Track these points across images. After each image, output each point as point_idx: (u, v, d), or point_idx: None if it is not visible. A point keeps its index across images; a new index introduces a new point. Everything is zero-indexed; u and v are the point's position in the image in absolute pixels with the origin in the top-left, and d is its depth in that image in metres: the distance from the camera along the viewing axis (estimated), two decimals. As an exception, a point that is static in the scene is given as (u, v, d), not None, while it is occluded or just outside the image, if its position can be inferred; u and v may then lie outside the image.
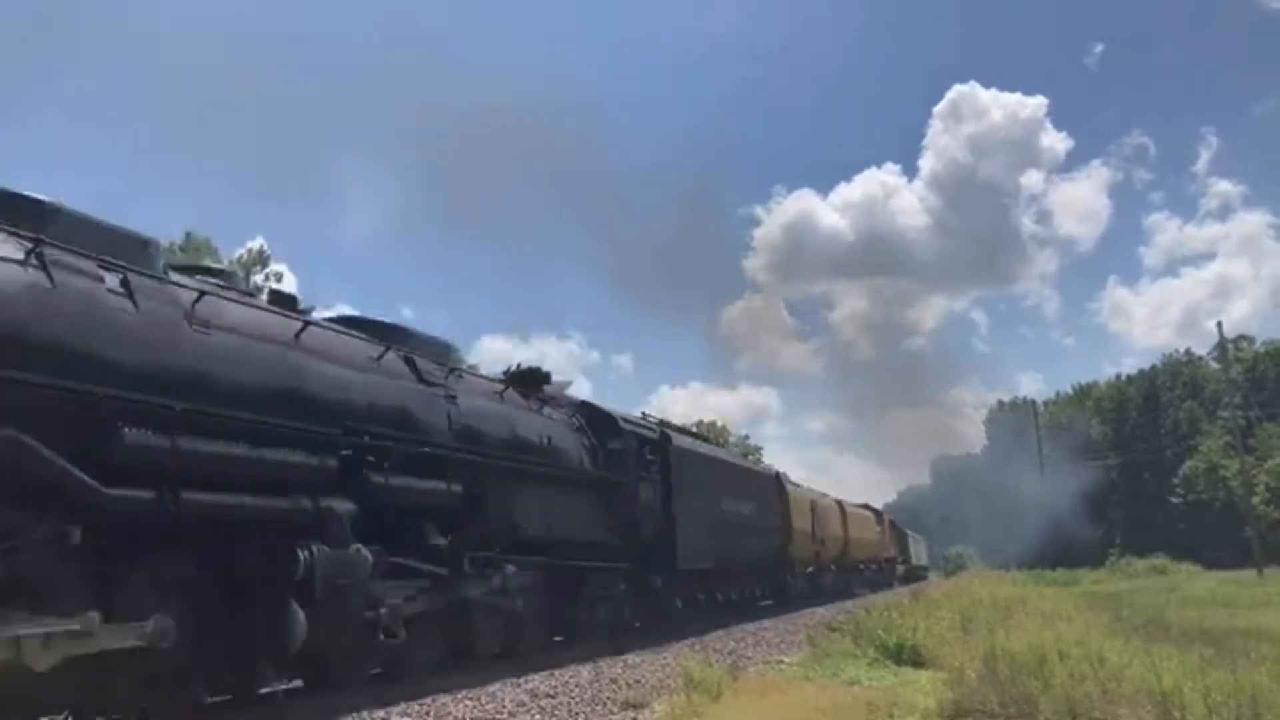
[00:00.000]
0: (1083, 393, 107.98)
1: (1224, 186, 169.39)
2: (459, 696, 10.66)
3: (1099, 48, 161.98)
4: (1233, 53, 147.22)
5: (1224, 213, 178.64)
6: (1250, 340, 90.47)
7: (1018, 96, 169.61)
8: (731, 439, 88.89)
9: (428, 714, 9.53)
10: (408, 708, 9.86)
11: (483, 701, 10.32)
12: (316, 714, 9.43)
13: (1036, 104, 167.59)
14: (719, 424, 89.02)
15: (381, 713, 9.52)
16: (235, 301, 9.88)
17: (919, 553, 70.95)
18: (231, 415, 8.75)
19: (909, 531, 68.13)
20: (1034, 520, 75.83)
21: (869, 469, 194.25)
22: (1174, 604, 22.78)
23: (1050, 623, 15.54)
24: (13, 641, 6.53)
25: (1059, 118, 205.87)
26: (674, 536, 19.64)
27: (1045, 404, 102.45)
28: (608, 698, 10.92)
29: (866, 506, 49.42)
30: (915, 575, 63.01)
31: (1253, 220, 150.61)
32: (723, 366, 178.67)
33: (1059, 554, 66.15)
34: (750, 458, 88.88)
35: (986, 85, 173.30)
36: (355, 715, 9.31)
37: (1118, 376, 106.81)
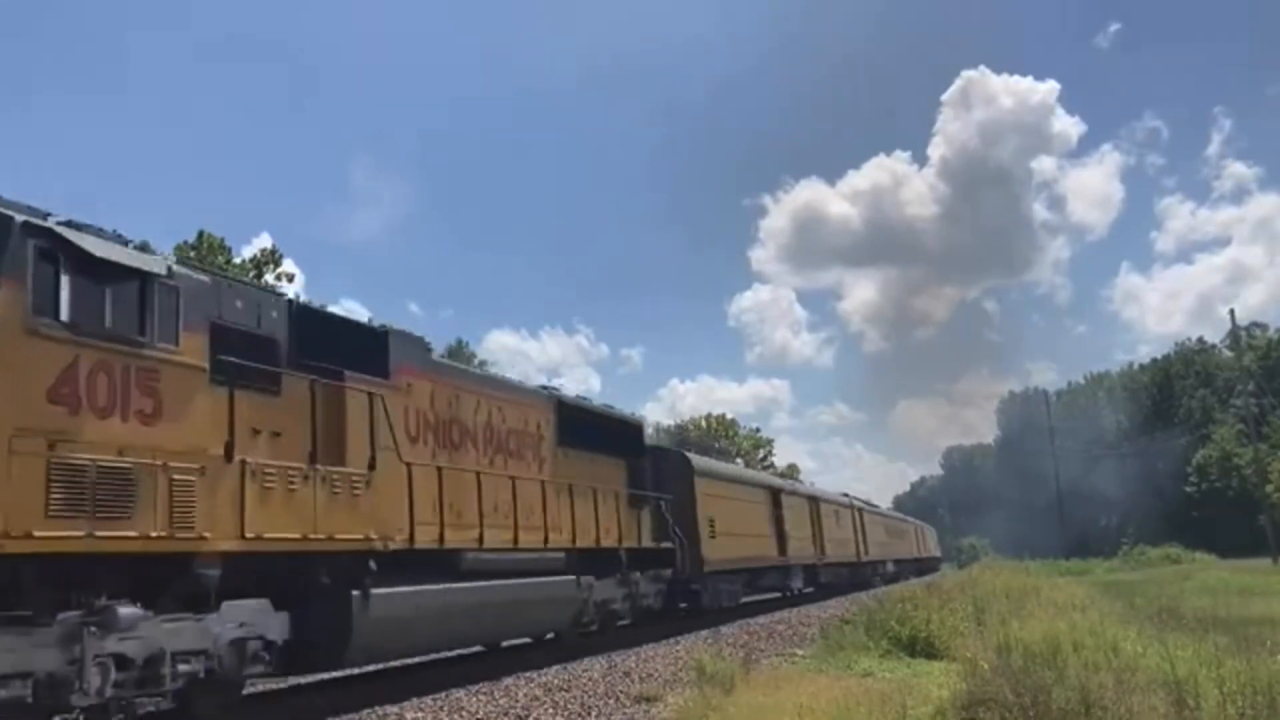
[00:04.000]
0: (1095, 382, 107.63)
1: (1238, 169, 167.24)
2: (473, 690, 10.70)
3: (1114, 26, 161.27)
4: (1245, 31, 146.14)
5: (1239, 195, 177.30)
6: (1264, 327, 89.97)
7: (1029, 81, 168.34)
8: (742, 432, 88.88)
9: (441, 708, 9.56)
10: (421, 702, 9.90)
11: (496, 696, 10.36)
12: (331, 709, 9.46)
13: (1048, 89, 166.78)
14: (728, 417, 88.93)
15: (395, 708, 9.56)
16: None
17: (924, 540, 61.54)
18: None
19: (878, 510, 48.50)
20: (1046, 510, 75.61)
21: (880, 461, 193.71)
22: (1188, 593, 22.68)
23: (1064, 613, 15.50)
24: None
25: (1071, 102, 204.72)
26: None
27: (1058, 394, 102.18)
28: (621, 691, 10.94)
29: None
30: (925, 568, 55.53)
31: (1269, 203, 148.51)
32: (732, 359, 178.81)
33: (1072, 543, 65.94)
34: (761, 452, 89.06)
35: (997, 70, 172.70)
36: (370, 710, 9.36)
37: (1130, 365, 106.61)
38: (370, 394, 10.38)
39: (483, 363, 62.93)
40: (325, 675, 11.80)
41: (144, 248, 44.87)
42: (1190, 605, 17.69)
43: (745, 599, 24.73)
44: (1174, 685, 7.51)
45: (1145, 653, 9.91)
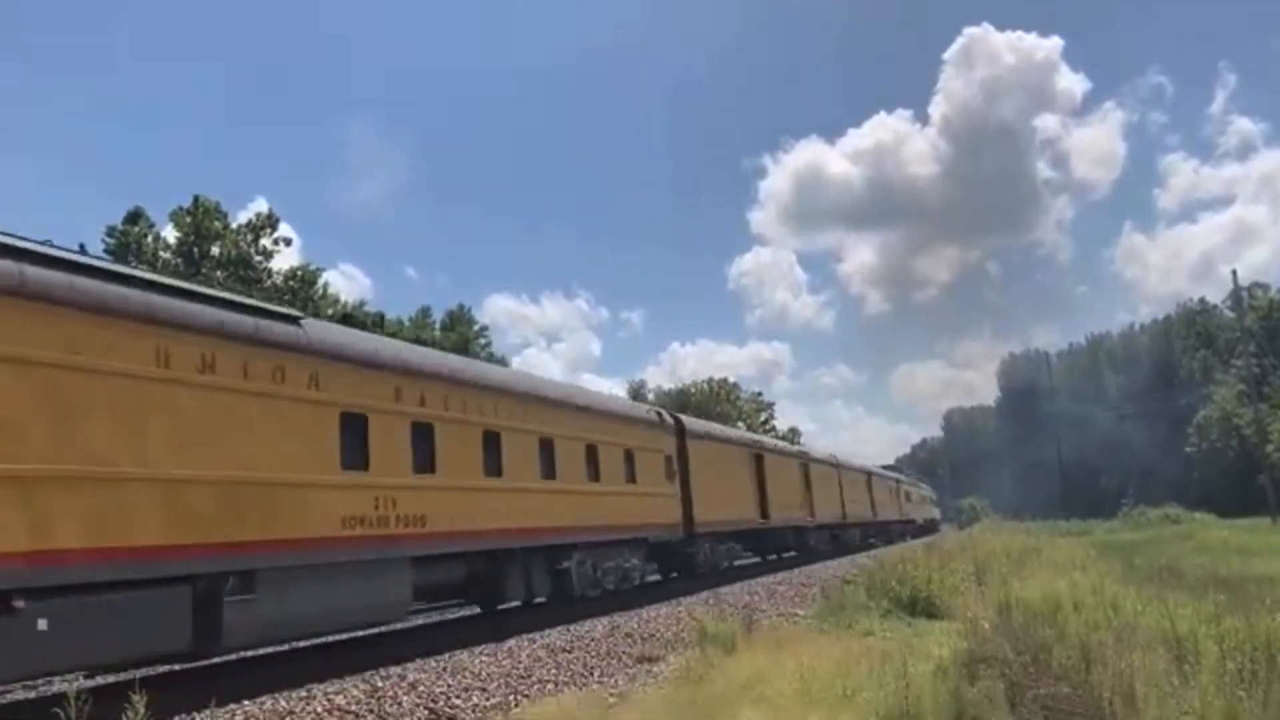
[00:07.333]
0: (1096, 343, 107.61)
1: (1243, 125, 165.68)
2: (476, 651, 10.77)
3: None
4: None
5: (1243, 152, 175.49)
6: (1265, 288, 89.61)
7: (1032, 38, 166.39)
8: (743, 395, 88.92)
9: (445, 669, 9.62)
10: (425, 663, 9.97)
11: (499, 657, 10.42)
12: (336, 670, 9.52)
13: (1051, 45, 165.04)
14: (730, 380, 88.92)
15: (399, 668, 9.62)
16: None
17: (922, 505, 53.56)
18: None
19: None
20: (1046, 471, 75.89)
21: (881, 423, 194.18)
22: (1187, 552, 22.78)
23: (1064, 572, 15.56)
24: None
25: (1074, 58, 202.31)
26: None
27: (1058, 355, 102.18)
28: (623, 652, 11.00)
29: None
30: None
31: (1274, 160, 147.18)
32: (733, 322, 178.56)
33: (1072, 504, 66.21)
34: (763, 415, 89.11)
35: (1000, 27, 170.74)
36: (374, 671, 9.42)
37: (1131, 326, 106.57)
38: None
39: (484, 328, 62.63)
40: (329, 639, 11.87)
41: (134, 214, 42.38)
42: (1190, 565, 17.76)
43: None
44: (1174, 642, 7.55)
45: (1145, 611, 9.95)
